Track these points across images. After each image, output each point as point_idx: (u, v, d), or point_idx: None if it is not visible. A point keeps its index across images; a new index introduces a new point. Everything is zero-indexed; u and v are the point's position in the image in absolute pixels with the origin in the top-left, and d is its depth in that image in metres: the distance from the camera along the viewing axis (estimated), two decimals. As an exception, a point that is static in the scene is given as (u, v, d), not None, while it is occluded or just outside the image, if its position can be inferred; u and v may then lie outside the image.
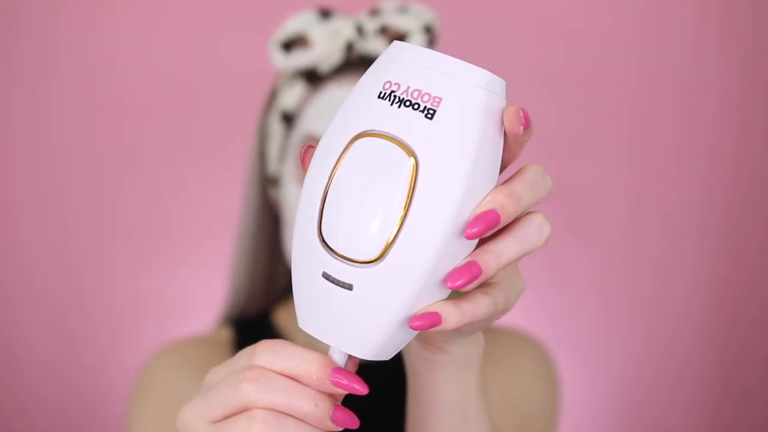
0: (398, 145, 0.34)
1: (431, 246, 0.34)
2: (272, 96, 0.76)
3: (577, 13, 1.30)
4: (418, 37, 0.69)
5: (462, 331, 0.39)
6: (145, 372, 0.75)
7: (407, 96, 0.34)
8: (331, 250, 0.35)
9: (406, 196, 0.34)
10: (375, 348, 0.36)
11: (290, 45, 0.71)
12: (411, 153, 0.34)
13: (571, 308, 1.30)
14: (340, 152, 0.35)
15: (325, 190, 0.35)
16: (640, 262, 1.30)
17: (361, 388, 0.36)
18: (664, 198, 1.30)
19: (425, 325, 0.34)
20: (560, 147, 1.30)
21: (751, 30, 1.28)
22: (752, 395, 1.30)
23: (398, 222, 0.34)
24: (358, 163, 0.35)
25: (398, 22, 0.70)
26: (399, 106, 0.34)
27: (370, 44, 0.70)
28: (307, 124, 0.69)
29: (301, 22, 0.72)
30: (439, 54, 0.34)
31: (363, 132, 0.35)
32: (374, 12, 0.72)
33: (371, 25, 0.70)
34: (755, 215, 1.29)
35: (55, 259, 1.31)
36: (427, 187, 0.34)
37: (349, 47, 0.71)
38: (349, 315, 0.35)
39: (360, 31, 0.71)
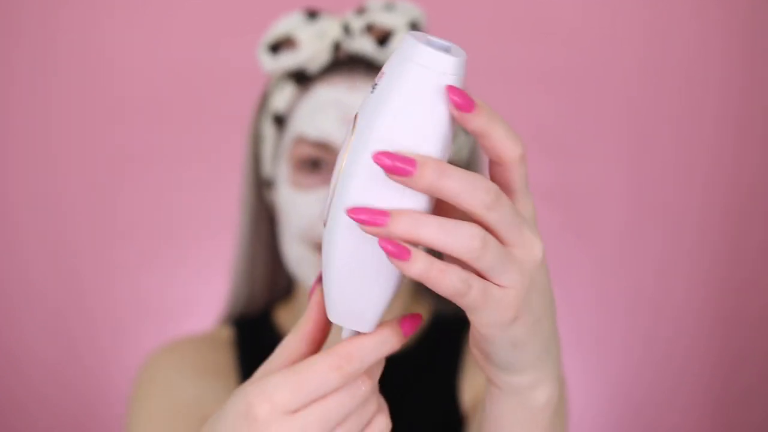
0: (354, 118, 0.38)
1: (351, 194, 0.36)
2: (264, 99, 0.76)
3: (576, 12, 1.30)
4: (404, 34, 0.69)
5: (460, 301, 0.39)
6: (145, 371, 0.75)
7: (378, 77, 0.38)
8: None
9: (343, 156, 0.37)
10: (341, 311, 0.39)
11: (278, 47, 0.71)
12: (354, 125, 0.37)
13: (570, 308, 1.30)
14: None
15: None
16: (640, 262, 1.30)
17: (418, 319, 0.40)
18: (664, 198, 1.30)
19: (392, 252, 0.35)
20: (560, 147, 1.30)
21: (750, 29, 1.29)
22: (752, 395, 1.30)
23: (335, 179, 0.37)
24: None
25: (384, 19, 0.70)
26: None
27: (357, 43, 0.70)
28: (297, 125, 0.69)
29: (288, 23, 0.72)
30: (415, 41, 0.36)
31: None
32: (361, 10, 0.72)
33: (357, 23, 0.70)
34: (755, 215, 1.30)
35: (55, 259, 1.31)
36: (354, 145, 0.36)
37: (337, 47, 0.71)
38: (325, 280, 0.40)
39: (347, 30, 0.71)
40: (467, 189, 0.35)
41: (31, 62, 1.30)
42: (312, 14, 0.72)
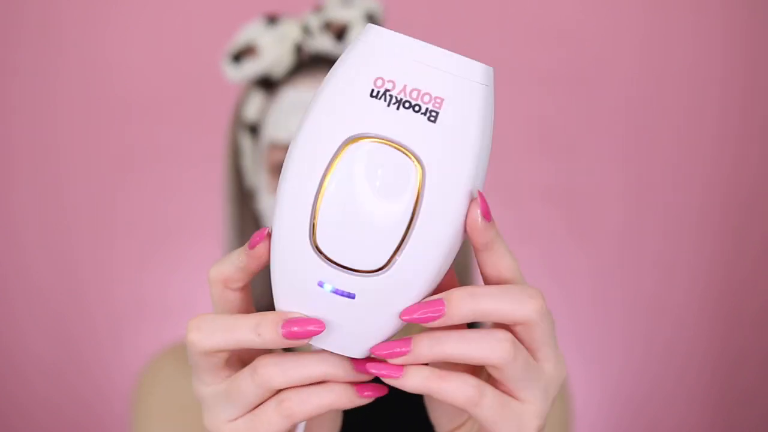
0: (402, 152, 0.33)
1: (437, 254, 0.34)
2: (236, 111, 0.76)
3: (577, 12, 1.30)
4: (361, 27, 0.69)
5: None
6: (146, 374, 0.75)
7: (405, 96, 0.33)
8: (329, 259, 0.34)
9: (413, 205, 0.33)
10: (366, 349, 0.36)
11: (240, 56, 0.71)
12: (416, 160, 0.33)
13: (570, 308, 1.30)
14: (331, 156, 0.33)
15: (316, 196, 0.34)
16: (640, 263, 1.30)
17: (318, 327, 0.34)
18: (664, 198, 1.30)
19: (383, 375, 0.33)
20: (559, 147, 1.30)
21: (751, 29, 1.28)
22: (753, 395, 1.30)
23: (404, 231, 0.33)
24: (356, 170, 0.33)
25: (340, 14, 0.69)
26: (398, 108, 0.33)
27: (318, 42, 0.70)
28: (270, 131, 0.69)
29: (248, 32, 0.72)
30: (429, 45, 0.33)
31: (359, 135, 0.33)
32: (318, 9, 0.72)
33: (315, 22, 0.70)
34: (755, 215, 1.29)
35: (55, 259, 1.31)
36: (433, 196, 0.33)
37: (299, 48, 0.71)
38: (346, 322, 0.35)
39: (306, 30, 0.71)
40: (505, 304, 0.33)
41: (32, 63, 1.30)
42: (271, 19, 0.72)
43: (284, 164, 0.35)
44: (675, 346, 1.30)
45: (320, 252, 0.34)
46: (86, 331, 1.31)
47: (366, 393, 0.36)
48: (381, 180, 0.33)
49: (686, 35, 1.29)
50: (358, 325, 0.35)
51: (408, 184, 0.33)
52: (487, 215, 0.33)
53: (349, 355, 0.36)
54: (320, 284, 0.34)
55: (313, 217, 0.34)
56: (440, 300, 0.33)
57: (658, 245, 1.30)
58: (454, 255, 0.34)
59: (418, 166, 0.33)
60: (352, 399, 0.35)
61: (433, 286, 0.34)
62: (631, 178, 1.30)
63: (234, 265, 0.36)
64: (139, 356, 1.31)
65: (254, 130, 0.72)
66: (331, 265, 0.34)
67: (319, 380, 0.35)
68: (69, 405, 1.31)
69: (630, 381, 1.30)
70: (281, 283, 0.35)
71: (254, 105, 0.72)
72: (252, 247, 0.35)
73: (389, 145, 0.33)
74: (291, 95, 0.68)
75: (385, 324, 0.35)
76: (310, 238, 0.34)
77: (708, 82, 1.29)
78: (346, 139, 0.33)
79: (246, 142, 0.73)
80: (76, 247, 1.31)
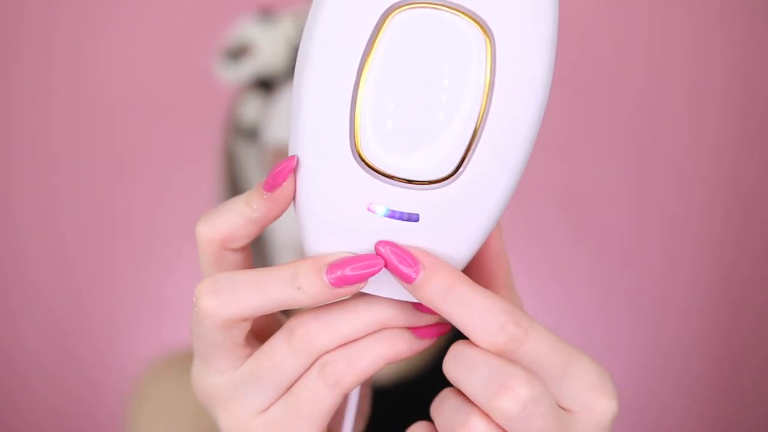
0: (463, 16, 0.25)
1: (517, 150, 0.27)
2: (230, 118, 0.74)
3: (580, 11, 1.30)
4: None
5: None
6: (141, 388, 0.73)
7: None
8: (379, 171, 0.26)
9: (483, 86, 0.26)
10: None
11: (234, 55, 0.68)
12: (481, 24, 0.26)
13: (572, 309, 1.30)
14: (368, 36, 0.25)
15: (355, 90, 0.26)
16: (642, 262, 1.30)
17: (375, 265, 0.26)
18: (666, 197, 1.30)
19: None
20: (561, 146, 1.30)
21: (751, 29, 1.28)
22: (753, 395, 1.30)
23: (475, 123, 0.26)
24: (403, 49, 0.25)
25: None
26: None
27: None
28: (271, 134, 0.65)
29: (242, 29, 0.68)
30: None
31: (400, 3, 0.25)
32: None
33: None
34: (757, 214, 1.29)
35: (53, 260, 1.30)
36: (508, 72, 0.26)
37: (294, 45, 0.68)
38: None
39: (300, 26, 0.68)
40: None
41: (29, 63, 1.30)
42: (265, 14, 0.69)
43: (300, 60, 0.26)
44: (677, 347, 1.30)
45: (366, 164, 0.26)
46: (84, 332, 1.30)
47: (428, 334, 0.29)
48: (440, 58, 0.25)
49: (686, 35, 1.29)
50: None
51: (476, 60, 0.25)
52: (404, 277, 0.27)
53: (413, 300, 0.28)
54: (370, 208, 0.26)
55: (352, 118, 0.26)
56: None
57: (660, 246, 1.30)
58: (529, 153, 0.27)
59: (486, 34, 0.26)
60: (411, 344, 0.28)
61: (512, 193, 0.27)
62: (631, 178, 1.30)
63: (241, 215, 0.28)
64: (137, 356, 1.30)
65: (252, 134, 0.69)
66: (383, 180, 0.26)
67: (374, 330, 0.28)
68: (67, 405, 1.30)
69: (632, 381, 1.30)
70: (313, 217, 0.27)
71: (252, 108, 0.68)
72: (273, 188, 0.27)
73: (446, 9, 0.25)
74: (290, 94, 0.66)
75: (457, 254, 0.27)
76: (351, 147, 0.26)
77: (708, 82, 1.29)
78: (388, 8, 0.25)
79: (241, 148, 0.71)
80: (74, 248, 1.30)
